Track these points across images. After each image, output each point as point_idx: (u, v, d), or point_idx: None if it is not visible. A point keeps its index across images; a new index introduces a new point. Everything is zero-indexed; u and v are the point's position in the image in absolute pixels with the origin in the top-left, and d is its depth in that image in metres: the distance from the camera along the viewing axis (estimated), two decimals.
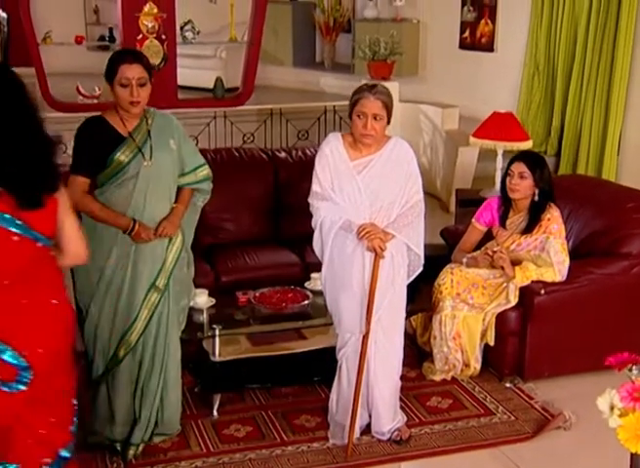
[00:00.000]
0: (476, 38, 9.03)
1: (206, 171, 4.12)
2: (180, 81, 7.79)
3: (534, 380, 4.77)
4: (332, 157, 3.95)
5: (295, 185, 5.63)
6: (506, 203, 4.80)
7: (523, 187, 4.67)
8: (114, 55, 3.90)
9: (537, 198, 4.68)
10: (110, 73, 3.81)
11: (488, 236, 4.96)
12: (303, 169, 5.08)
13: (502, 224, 4.82)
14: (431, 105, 8.10)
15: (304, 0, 10.74)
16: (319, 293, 4.68)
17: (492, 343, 4.69)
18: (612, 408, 2.50)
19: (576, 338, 4.72)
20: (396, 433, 4.22)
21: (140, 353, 4.00)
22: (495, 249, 4.70)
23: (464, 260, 4.83)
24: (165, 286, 3.97)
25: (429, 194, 7.12)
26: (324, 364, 4.44)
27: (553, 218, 4.66)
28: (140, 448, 4.07)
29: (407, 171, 3.97)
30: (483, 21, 8.93)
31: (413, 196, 3.98)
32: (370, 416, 4.25)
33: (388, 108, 3.88)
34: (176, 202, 4.02)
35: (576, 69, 7.74)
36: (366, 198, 3.92)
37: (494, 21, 8.84)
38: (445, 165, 7.89)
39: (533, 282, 4.58)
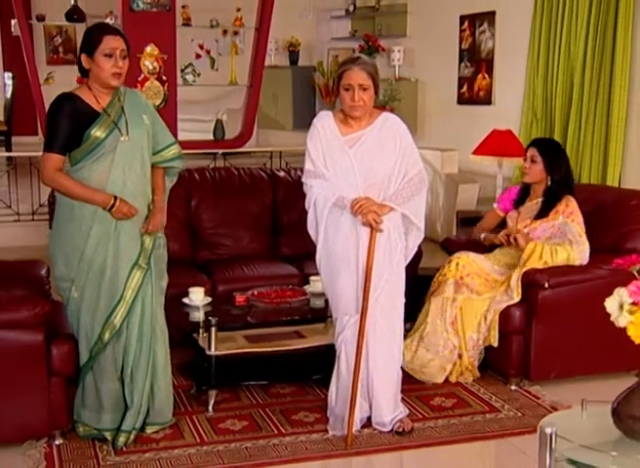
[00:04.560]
0: (474, 92, 9.14)
1: (177, 149, 4.06)
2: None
3: (540, 382, 4.61)
4: (323, 132, 3.91)
5: (293, 204, 5.60)
6: (526, 189, 4.92)
7: (533, 171, 4.79)
8: (94, 27, 3.83)
9: (549, 183, 4.76)
10: (93, 44, 3.71)
11: None
12: (302, 188, 5.05)
13: (516, 207, 4.90)
14: (430, 150, 8.14)
15: (304, 64, 10.92)
16: (319, 295, 4.60)
17: (495, 344, 4.55)
18: (621, 306, 2.40)
19: (583, 337, 4.57)
20: (398, 424, 4.06)
21: (126, 337, 3.87)
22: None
23: (482, 235, 4.98)
24: (147, 264, 3.88)
25: (430, 239, 7.08)
26: (322, 362, 4.32)
27: (571, 206, 4.70)
28: (132, 436, 3.91)
29: (400, 144, 3.91)
30: (480, 76, 9.05)
31: (411, 169, 3.93)
32: (370, 408, 4.09)
33: (374, 79, 3.85)
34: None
35: (573, 114, 7.78)
36: (359, 173, 3.87)
37: (491, 75, 8.96)
38: (445, 208, 7.87)
39: (537, 273, 4.47)
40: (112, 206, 3.73)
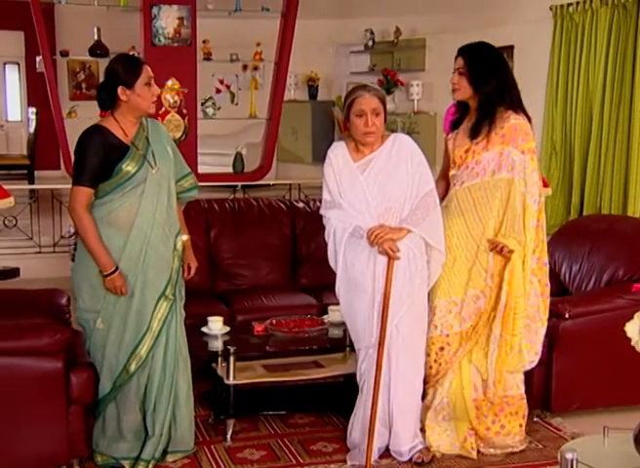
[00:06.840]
0: None
1: (193, 179, 4.13)
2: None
3: (562, 413, 4.56)
4: (336, 161, 3.95)
5: (312, 235, 5.61)
6: (464, 107, 4.15)
7: (461, 86, 4.04)
8: (124, 60, 3.85)
9: (481, 97, 3.98)
10: (134, 75, 3.74)
11: None
12: (321, 219, 5.06)
13: (455, 128, 4.16)
14: None
15: (323, 99, 10.98)
16: (338, 324, 4.58)
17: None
18: None
19: (605, 368, 4.52)
20: (417, 454, 4.02)
21: (151, 367, 3.88)
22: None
23: None
24: (173, 295, 3.91)
25: None
26: (341, 392, 4.31)
27: (519, 126, 3.95)
28: (151, 465, 3.89)
29: (412, 162, 3.91)
30: None
31: (423, 187, 3.91)
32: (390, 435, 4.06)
33: (384, 105, 3.89)
34: None
35: (592, 147, 7.76)
36: (372, 198, 3.87)
37: None
38: None
39: (558, 303, 4.41)
40: (109, 274, 3.74)
